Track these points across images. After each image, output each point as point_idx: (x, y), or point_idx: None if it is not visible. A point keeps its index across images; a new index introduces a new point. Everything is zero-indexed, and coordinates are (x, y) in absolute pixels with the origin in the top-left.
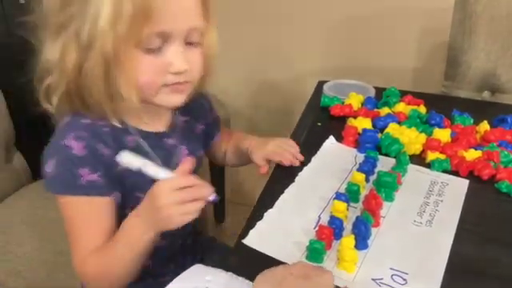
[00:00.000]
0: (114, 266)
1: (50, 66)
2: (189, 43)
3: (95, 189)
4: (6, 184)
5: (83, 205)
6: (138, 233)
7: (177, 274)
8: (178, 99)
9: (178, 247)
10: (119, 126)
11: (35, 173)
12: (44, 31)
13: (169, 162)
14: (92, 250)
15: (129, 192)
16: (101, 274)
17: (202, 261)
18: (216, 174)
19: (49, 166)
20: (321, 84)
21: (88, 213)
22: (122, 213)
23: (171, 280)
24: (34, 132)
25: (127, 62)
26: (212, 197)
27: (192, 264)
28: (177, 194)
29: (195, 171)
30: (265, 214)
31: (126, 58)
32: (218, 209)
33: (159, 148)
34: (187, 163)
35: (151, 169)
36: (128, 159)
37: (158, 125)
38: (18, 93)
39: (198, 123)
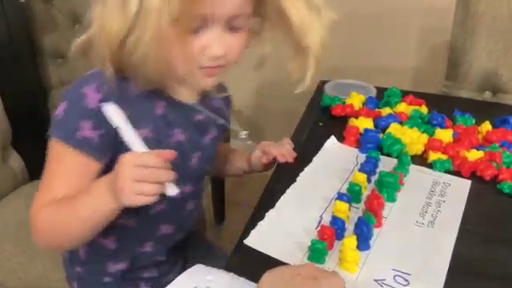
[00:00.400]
0: (67, 222)
1: (93, 27)
2: (232, 28)
3: (88, 147)
4: (3, 184)
5: (71, 157)
6: (102, 197)
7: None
8: (209, 82)
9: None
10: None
11: (32, 173)
12: None
13: (194, 139)
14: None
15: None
16: (51, 226)
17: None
18: None
19: (59, 109)
20: (322, 84)
21: (72, 166)
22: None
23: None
24: (30, 132)
25: (167, 39)
26: (171, 190)
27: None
28: (137, 170)
29: (212, 160)
30: (266, 214)
31: (167, 36)
32: (217, 209)
33: (188, 120)
34: (168, 153)
35: (128, 134)
36: (111, 112)
37: (189, 98)
38: (16, 92)
39: (223, 113)
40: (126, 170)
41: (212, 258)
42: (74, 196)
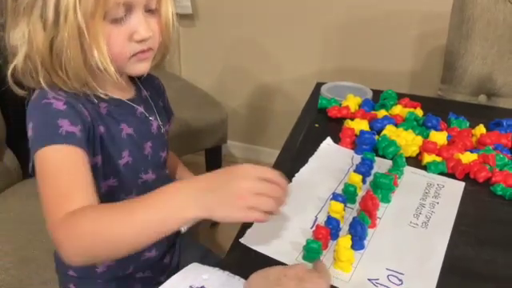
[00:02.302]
0: (119, 230)
1: (18, 50)
2: (148, 11)
3: (75, 139)
4: None
5: (65, 154)
6: (179, 205)
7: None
8: (144, 67)
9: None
10: (93, 95)
11: (26, 171)
12: (6, 18)
13: (141, 130)
14: (81, 203)
15: (109, 159)
16: (95, 232)
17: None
18: None
19: (30, 130)
20: (319, 85)
21: (70, 162)
22: (103, 183)
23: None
24: (25, 130)
25: (97, 35)
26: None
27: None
28: (260, 184)
29: (165, 146)
30: None
31: (96, 31)
32: None
33: (131, 115)
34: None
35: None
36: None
37: (124, 94)
38: (9, 90)
39: (159, 100)
40: (248, 181)
41: (206, 262)
42: (133, 200)
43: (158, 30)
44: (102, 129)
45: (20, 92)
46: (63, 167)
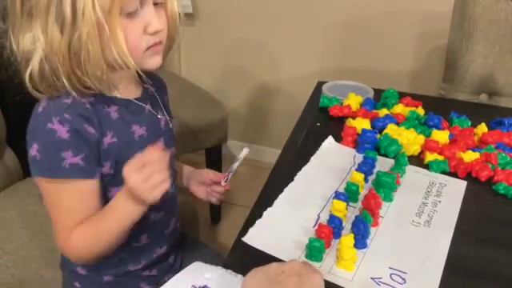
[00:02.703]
0: (101, 237)
1: (31, 54)
2: (155, 4)
3: (77, 172)
4: None
5: (66, 188)
6: (125, 208)
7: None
8: (158, 60)
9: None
10: (106, 95)
11: (26, 170)
12: (13, 23)
13: (152, 128)
14: (75, 226)
15: (121, 165)
16: (88, 246)
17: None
18: None
19: (33, 150)
20: (320, 84)
21: (70, 195)
22: (116, 185)
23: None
24: (25, 129)
25: (116, 30)
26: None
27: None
28: (140, 172)
29: (174, 141)
30: (264, 212)
31: (114, 26)
32: (213, 210)
33: (141, 114)
34: (157, 147)
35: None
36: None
37: (132, 94)
38: (10, 89)
39: (164, 95)
40: (132, 177)
41: (208, 261)
42: (99, 213)
43: (166, 23)
44: (111, 138)
45: (40, 96)
46: (63, 199)
